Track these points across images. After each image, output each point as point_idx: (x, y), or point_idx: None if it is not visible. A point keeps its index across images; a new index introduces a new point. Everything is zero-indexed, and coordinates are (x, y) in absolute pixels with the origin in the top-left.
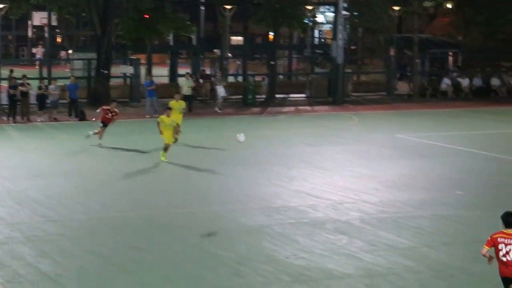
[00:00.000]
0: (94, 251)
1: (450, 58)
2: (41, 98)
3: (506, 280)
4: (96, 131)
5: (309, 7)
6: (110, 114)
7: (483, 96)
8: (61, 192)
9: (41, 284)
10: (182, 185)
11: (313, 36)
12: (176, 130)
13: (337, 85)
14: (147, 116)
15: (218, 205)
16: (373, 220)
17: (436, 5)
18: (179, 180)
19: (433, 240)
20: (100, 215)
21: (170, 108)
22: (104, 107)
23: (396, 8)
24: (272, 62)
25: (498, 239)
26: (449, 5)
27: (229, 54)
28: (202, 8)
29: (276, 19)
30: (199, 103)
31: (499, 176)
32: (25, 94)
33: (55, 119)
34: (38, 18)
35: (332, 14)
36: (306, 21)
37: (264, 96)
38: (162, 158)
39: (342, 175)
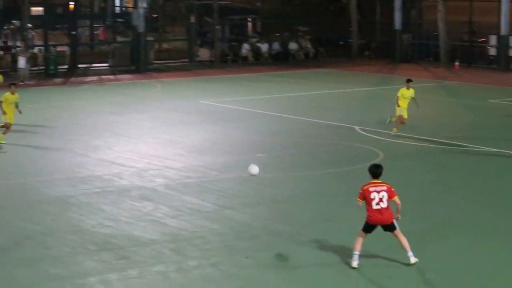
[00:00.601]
0: None
1: (249, 24)
2: None
3: (375, 226)
4: None
5: None
6: None
7: (282, 60)
8: None
9: None
10: None
11: (114, 5)
12: None
13: (140, 54)
14: None
15: (21, 177)
16: (178, 185)
17: None
18: None
19: (237, 202)
20: None
21: None
22: None
23: None
24: (73, 32)
25: (370, 189)
26: None
27: (29, 25)
28: None
29: None
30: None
31: (298, 137)
32: None
33: None
34: None
35: None
36: None
37: (66, 67)
38: None
39: (146, 142)
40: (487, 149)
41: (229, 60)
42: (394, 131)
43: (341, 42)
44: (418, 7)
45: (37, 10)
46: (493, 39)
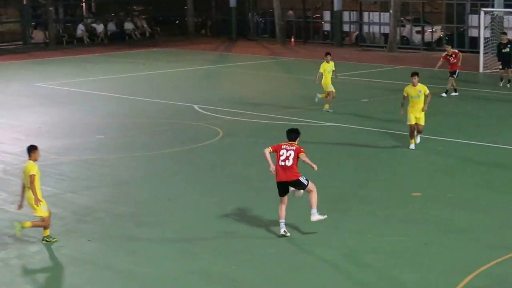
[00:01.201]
0: None
1: (84, 5)
2: None
3: (282, 184)
4: None
5: None
6: None
7: (118, 40)
8: None
9: None
10: None
11: None
12: None
13: None
14: None
15: None
16: (16, 170)
17: None
18: None
19: (77, 185)
20: None
21: None
22: None
23: None
24: None
25: (282, 146)
26: None
27: None
28: None
29: None
30: None
31: (137, 118)
32: None
33: None
34: None
35: None
36: None
37: None
38: None
39: None
40: (325, 123)
41: (64, 41)
42: (327, 107)
43: (177, 21)
44: None
45: None
46: (327, 15)
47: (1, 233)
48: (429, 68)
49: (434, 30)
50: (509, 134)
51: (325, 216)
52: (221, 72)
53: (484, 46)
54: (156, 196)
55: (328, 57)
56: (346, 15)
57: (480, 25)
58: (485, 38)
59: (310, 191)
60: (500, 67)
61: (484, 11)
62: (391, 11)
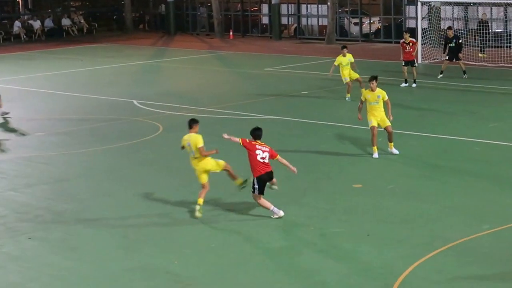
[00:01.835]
0: None
1: (20, 1)
2: None
3: (268, 174)
4: None
5: None
6: None
7: (56, 37)
8: None
9: None
10: None
11: None
12: None
13: None
14: None
15: None
16: None
17: None
18: None
19: (17, 183)
20: None
21: None
22: None
23: None
24: None
25: (256, 146)
26: None
27: None
28: None
29: None
30: None
31: (77, 114)
32: None
33: None
34: None
35: None
36: None
37: None
38: None
39: None
40: (265, 116)
41: (0, 38)
42: (348, 96)
43: (114, 16)
44: None
45: None
46: (265, 8)
47: None
48: (367, 59)
49: (372, 21)
50: (449, 124)
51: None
52: (160, 67)
53: (422, 37)
54: (96, 192)
55: (345, 50)
56: (284, 8)
57: (417, 16)
58: (422, 29)
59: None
60: (447, 57)
61: (421, 2)
62: (329, 3)
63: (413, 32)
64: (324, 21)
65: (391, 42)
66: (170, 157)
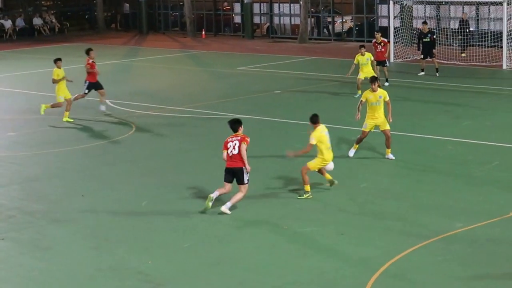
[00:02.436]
0: None
1: None
2: None
3: (228, 170)
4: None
5: None
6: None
7: (27, 36)
8: None
9: None
10: None
11: None
12: None
13: None
14: None
15: None
16: None
17: None
18: None
19: None
20: None
21: None
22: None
23: None
24: None
25: (228, 140)
26: None
27: None
28: None
29: None
30: None
31: (49, 114)
32: None
33: None
34: None
35: None
36: None
37: None
38: None
39: None
40: (237, 115)
41: None
42: (359, 92)
43: (86, 16)
44: None
45: None
46: (237, 7)
47: None
48: (340, 58)
49: (344, 20)
50: (423, 123)
51: (230, 212)
52: (133, 67)
53: (394, 36)
54: (68, 192)
55: (363, 49)
56: (256, 7)
57: (389, 15)
58: (395, 28)
59: (240, 190)
60: (422, 56)
61: (394, 0)
62: (301, 2)
63: (385, 31)
64: (297, 20)
65: (363, 41)
66: (143, 157)
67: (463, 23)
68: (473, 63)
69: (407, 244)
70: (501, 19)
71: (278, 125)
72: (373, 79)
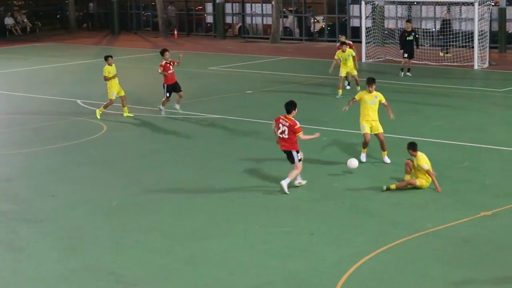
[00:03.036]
0: None
1: None
2: None
3: (284, 152)
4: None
5: None
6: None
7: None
8: None
9: None
10: None
11: None
12: None
13: None
14: None
15: None
16: None
17: None
18: None
19: None
20: None
21: None
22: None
23: None
24: None
25: (280, 120)
26: None
27: None
28: None
29: None
30: None
31: (19, 114)
32: None
33: None
34: None
35: None
36: None
37: None
38: None
39: None
40: (209, 115)
41: None
42: (358, 88)
43: (58, 15)
44: None
45: None
46: (209, 7)
47: None
48: (312, 58)
49: (316, 20)
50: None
51: (288, 191)
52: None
53: (366, 36)
54: (39, 193)
55: (344, 46)
56: (228, 7)
57: (361, 15)
58: (366, 28)
59: (295, 168)
60: (406, 55)
61: (365, 1)
62: (273, 2)
63: (357, 31)
64: (269, 20)
65: (335, 41)
66: (114, 157)
67: (445, 23)
68: (444, 63)
69: (379, 244)
70: (473, 19)
71: (249, 125)
72: (370, 81)
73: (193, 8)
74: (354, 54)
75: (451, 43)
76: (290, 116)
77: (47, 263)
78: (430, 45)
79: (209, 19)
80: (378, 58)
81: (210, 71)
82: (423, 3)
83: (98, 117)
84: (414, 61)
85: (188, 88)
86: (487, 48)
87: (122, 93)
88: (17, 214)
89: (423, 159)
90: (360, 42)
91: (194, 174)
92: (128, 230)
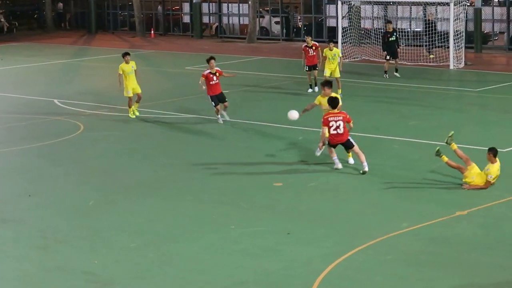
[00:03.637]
0: None
1: None
2: None
3: (336, 145)
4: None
5: None
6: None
7: None
8: None
9: None
10: None
11: None
12: None
13: None
14: None
15: None
16: None
17: None
18: None
19: None
20: None
21: None
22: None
23: None
24: None
25: (329, 119)
26: None
27: None
28: None
29: None
30: None
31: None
32: None
33: None
34: None
35: None
36: None
37: None
38: None
39: None
40: (186, 115)
41: None
42: (339, 92)
43: (35, 15)
44: None
45: None
46: (186, 7)
47: None
48: (288, 58)
49: (299, 19)
50: (369, 123)
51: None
52: (81, 66)
53: (343, 36)
54: (15, 193)
55: (331, 44)
56: (205, 7)
57: (338, 15)
58: (343, 28)
59: (356, 152)
60: (388, 57)
61: (341, 1)
62: (250, 2)
63: (333, 31)
64: (246, 20)
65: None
66: (90, 156)
67: (429, 23)
68: (420, 63)
69: (353, 244)
70: (448, 19)
71: (225, 124)
72: (325, 83)
73: (170, 8)
74: (340, 55)
75: (434, 44)
76: (337, 110)
77: (21, 262)
78: (405, 45)
79: (186, 19)
80: (354, 58)
81: (186, 71)
82: (399, 3)
83: (133, 116)
84: (390, 61)
85: (165, 88)
86: (463, 48)
87: (139, 91)
88: None
89: (495, 170)
90: (337, 42)
91: (169, 174)
92: (102, 230)
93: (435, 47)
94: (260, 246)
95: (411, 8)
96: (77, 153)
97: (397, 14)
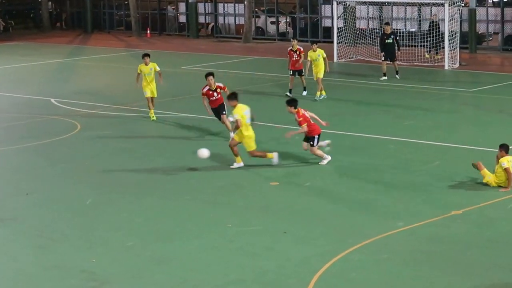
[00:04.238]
0: None
1: None
2: None
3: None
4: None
5: None
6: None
7: None
8: None
9: None
10: None
11: None
12: None
13: None
14: None
15: None
16: None
17: None
18: None
19: None
20: None
21: None
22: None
23: None
24: None
25: (305, 114)
26: None
27: None
28: None
29: None
30: None
31: None
32: None
33: None
34: None
35: None
36: None
37: None
38: None
39: None
40: (182, 114)
41: None
42: (323, 94)
43: (31, 14)
44: None
45: None
46: (182, 7)
47: None
48: (283, 58)
49: (288, 20)
50: (364, 123)
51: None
52: (77, 65)
53: (338, 36)
54: (13, 191)
55: (314, 45)
56: (201, 7)
57: (333, 15)
58: (338, 28)
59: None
60: (383, 58)
61: (337, 1)
62: (245, 2)
63: (329, 31)
64: (241, 20)
65: (306, 41)
66: (87, 156)
67: (433, 24)
68: (415, 63)
69: (349, 243)
70: (443, 19)
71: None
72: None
73: (166, 8)
74: (325, 55)
75: (439, 45)
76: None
77: (19, 261)
78: (401, 45)
79: (182, 18)
80: (349, 58)
81: (182, 71)
82: (394, 4)
83: (155, 118)
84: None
85: (161, 87)
86: (458, 49)
87: (153, 95)
88: None
89: (507, 161)
90: (332, 42)
91: (166, 174)
92: (100, 229)
93: (442, 47)
94: (256, 245)
95: (406, 8)
96: (74, 152)
97: (392, 15)
